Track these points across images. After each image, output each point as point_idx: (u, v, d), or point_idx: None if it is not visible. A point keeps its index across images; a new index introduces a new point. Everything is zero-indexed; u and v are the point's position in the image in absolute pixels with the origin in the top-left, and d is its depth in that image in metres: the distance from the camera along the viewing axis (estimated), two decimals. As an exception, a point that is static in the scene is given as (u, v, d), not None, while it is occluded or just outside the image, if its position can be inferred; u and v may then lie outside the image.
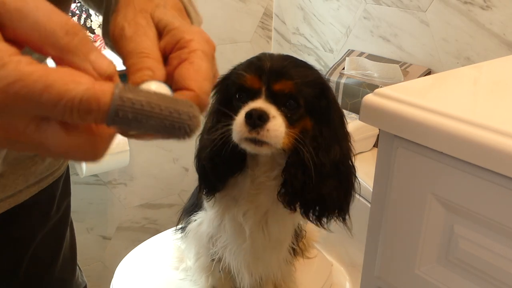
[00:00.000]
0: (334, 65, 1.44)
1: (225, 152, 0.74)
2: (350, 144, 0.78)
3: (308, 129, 0.74)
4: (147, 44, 0.35)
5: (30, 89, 0.26)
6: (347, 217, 0.80)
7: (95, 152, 0.30)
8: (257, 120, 0.69)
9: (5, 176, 0.57)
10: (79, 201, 1.50)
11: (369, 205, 0.83)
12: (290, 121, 0.73)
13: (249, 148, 0.72)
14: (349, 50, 1.46)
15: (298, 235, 0.97)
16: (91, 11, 1.38)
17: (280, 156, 0.77)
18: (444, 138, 0.51)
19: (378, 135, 0.62)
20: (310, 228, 1.14)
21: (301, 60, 0.78)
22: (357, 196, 1.17)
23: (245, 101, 0.73)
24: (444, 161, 0.53)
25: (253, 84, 0.73)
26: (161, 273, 1.13)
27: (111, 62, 0.31)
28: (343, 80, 1.37)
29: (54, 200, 0.67)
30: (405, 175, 0.58)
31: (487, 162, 0.48)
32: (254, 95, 0.73)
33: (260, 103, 0.71)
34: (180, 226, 1.07)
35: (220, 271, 0.96)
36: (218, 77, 0.39)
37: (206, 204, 0.88)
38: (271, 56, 0.76)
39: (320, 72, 0.79)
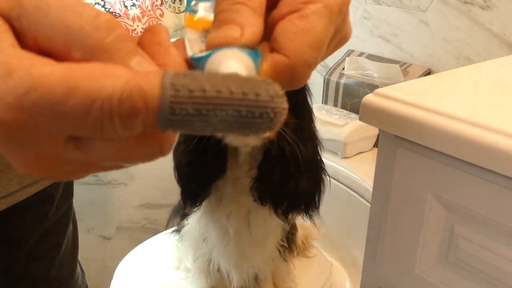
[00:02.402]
0: (334, 65, 1.44)
1: (205, 155, 0.75)
2: (318, 140, 0.81)
3: (288, 123, 0.75)
4: None
5: (49, 98, 0.19)
6: (314, 212, 0.82)
7: (160, 146, 0.23)
8: None
9: None
10: (79, 201, 1.49)
11: (369, 205, 0.84)
12: None
13: (234, 140, 0.71)
14: (349, 50, 1.46)
15: (289, 232, 0.97)
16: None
17: (260, 153, 0.78)
18: (444, 138, 0.51)
19: (378, 135, 0.62)
20: (309, 227, 1.14)
21: None
22: (357, 196, 1.18)
23: None
24: (444, 161, 0.53)
25: None
26: (161, 273, 1.13)
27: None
28: (343, 80, 1.37)
29: (53, 201, 0.66)
30: (405, 175, 0.58)
31: (487, 162, 0.48)
32: None
33: None
34: (173, 228, 1.07)
35: (216, 271, 0.96)
36: (348, 39, 0.31)
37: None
38: None
39: None
